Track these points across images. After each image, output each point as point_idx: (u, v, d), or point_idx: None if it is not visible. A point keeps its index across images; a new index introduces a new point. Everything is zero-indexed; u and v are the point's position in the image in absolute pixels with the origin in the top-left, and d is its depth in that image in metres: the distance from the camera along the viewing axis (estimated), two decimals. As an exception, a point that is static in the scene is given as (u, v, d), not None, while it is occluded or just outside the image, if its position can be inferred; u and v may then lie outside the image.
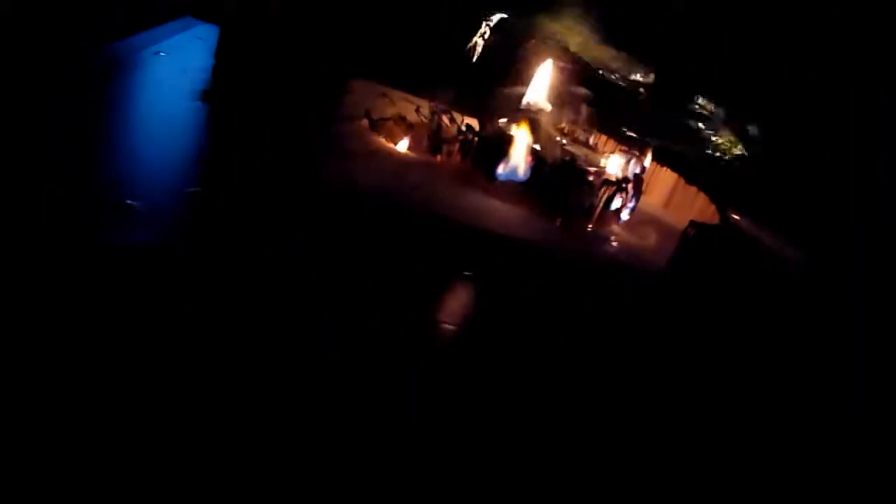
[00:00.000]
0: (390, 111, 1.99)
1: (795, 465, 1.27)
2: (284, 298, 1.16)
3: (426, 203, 1.62)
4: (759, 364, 1.52)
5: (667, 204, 2.15)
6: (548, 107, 2.10)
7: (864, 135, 1.90)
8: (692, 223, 1.68)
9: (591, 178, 1.82)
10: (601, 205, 1.83)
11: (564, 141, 2.01)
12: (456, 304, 1.45)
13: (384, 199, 1.57)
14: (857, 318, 1.60)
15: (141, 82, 1.78)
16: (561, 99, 2.09)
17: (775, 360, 1.53)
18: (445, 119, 2.03)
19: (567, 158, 1.86)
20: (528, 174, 1.82)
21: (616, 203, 1.85)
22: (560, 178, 1.81)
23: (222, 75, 1.99)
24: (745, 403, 1.41)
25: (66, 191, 1.19)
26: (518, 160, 1.82)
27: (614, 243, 1.82)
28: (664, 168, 2.13)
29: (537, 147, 1.85)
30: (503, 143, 1.83)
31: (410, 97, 2.22)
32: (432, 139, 1.93)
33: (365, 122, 1.95)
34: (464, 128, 1.89)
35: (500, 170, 1.81)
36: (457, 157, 1.86)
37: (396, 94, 2.21)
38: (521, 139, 1.86)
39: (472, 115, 2.05)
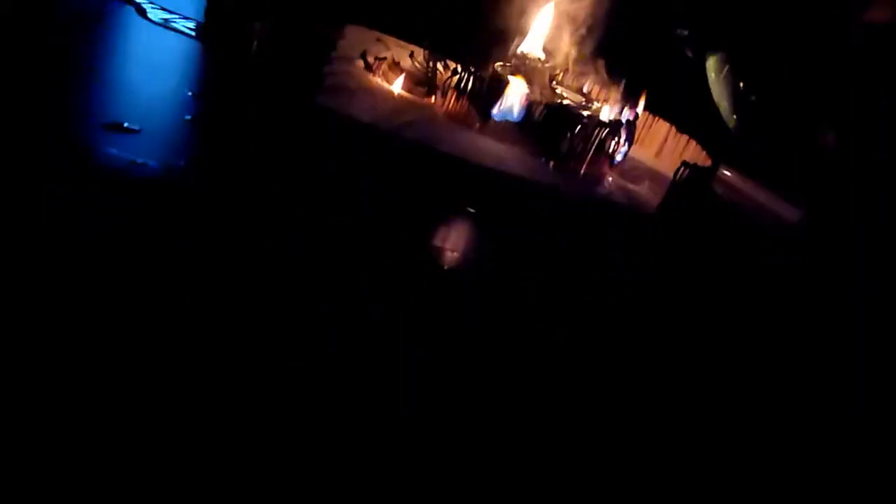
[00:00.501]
0: (385, 54, 1.99)
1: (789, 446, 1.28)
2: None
3: (421, 138, 1.63)
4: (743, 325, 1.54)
5: (658, 154, 2.17)
6: (542, 55, 2.10)
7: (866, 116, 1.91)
8: (684, 163, 1.71)
9: (584, 121, 1.83)
10: (593, 147, 1.85)
11: (558, 88, 2.02)
12: (456, 239, 1.47)
13: (380, 133, 1.58)
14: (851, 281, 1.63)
15: (134, 24, 1.76)
16: (555, 47, 2.10)
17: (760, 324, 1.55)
18: (439, 65, 2.04)
19: (560, 101, 1.87)
20: (522, 116, 1.83)
21: (609, 147, 1.87)
22: (553, 120, 1.82)
23: (216, 14, 1.98)
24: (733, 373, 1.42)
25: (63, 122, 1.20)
26: (512, 102, 1.83)
27: (606, 185, 1.84)
28: (656, 119, 2.15)
29: (531, 90, 1.86)
30: (498, 85, 1.84)
31: (404, 43, 2.22)
32: (427, 81, 1.94)
33: (360, 63, 1.95)
34: (459, 69, 1.88)
35: (495, 110, 1.81)
36: (451, 100, 1.86)
37: (390, 40, 2.21)
38: (516, 82, 1.86)
39: (465, 61, 2.05)
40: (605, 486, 1.04)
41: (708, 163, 1.92)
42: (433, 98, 1.91)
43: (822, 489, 1.22)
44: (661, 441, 1.16)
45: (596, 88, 2.14)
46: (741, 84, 1.82)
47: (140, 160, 1.22)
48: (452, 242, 1.43)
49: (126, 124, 1.27)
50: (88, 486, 0.71)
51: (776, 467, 1.24)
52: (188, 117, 1.47)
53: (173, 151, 1.35)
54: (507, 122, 1.82)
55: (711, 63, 1.91)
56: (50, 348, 0.86)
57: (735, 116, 1.85)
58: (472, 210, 1.52)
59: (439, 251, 1.38)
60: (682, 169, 1.72)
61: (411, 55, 2.09)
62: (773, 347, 1.53)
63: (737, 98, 1.86)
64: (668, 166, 2.11)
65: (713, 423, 1.27)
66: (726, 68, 1.86)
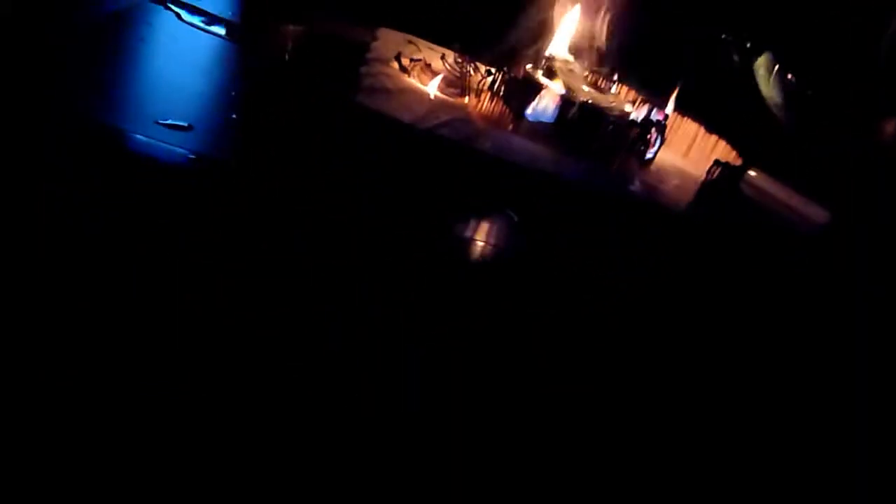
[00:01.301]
0: (419, 56, 2.03)
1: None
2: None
3: (458, 137, 1.67)
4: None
5: (686, 154, 2.19)
6: (570, 58, 2.13)
7: None
8: (717, 161, 1.73)
9: (616, 120, 1.86)
10: (625, 147, 1.87)
11: (588, 88, 2.05)
12: (490, 234, 1.50)
13: (419, 132, 1.61)
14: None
15: (168, 25, 1.81)
16: (584, 50, 2.13)
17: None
18: (470, 67, 2.07)
19: (592, 102, 1.89)
20: (555, 116, 1.86)
21: (640, 146, 1.89)
22: (586, 120, 1.85)
23: (252, 16, 2.03)
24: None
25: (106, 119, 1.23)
26: (546, 103, 1.86)
27: (637, 184, 1.86)
28: (685, 119, 2.17)
29: (564, 91, 1.89)
30: (532, 86, 1.87)
31: (435, 46, 2.26)
32: (460, 83, 1.97)
33: (395, 64, 1.98)
34: (492, 71, 1.92)
35: (529, 111, 1.84)
36: (485, 101, 1.89)
37: (421, 43, 2.25)
38: (550, 83, 1.89)
39: (497, 63, 2.08)
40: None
41: (738, 163, 1.93)
42: (466, 99, 1.94)
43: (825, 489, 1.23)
44: (660, 441, 1.16)
45: (625, 89, 2.17)
46: (793, 83, 1.83)
47: (192, 154, 1.27)
48: (487, 237, 1.46)
49: (175, 121, 1.32)
50: (86, 484, 0.71)
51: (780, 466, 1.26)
52: (234, 116, 1.52)
53: (222, 146, 1.40)
54: (540, 122, 1.85)
55: (760, 62, 1.92)
56: (70, 339, 0.88)
57: (785, 114, 1.86)
58: (507, 208, 1.55)
59: (475, 246, 1.41)
60: (714, 167, 1.74)
61: (442, 57, 2.12)
62: (787, 348, 1.54)
63: (788, 97, 1.87)
64: (695, 166, 2.13)
65: (720, 424, 1.27)
66: (776, 67, 1.87)
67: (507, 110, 1.86)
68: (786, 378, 1.45)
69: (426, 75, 2.00)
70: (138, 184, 1.21)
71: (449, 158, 1.64)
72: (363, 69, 1.83)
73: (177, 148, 1.27)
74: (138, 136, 1.26)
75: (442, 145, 1.64)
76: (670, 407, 1.24)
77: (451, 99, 1.93)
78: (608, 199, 1.80)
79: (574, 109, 1.86)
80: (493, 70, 1.98)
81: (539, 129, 1.84)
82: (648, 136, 1.88)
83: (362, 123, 1.60)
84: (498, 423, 1.03)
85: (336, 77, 1.85)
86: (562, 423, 1.09)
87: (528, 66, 2.01)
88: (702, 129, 2.13)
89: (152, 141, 1.27)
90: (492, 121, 1.85)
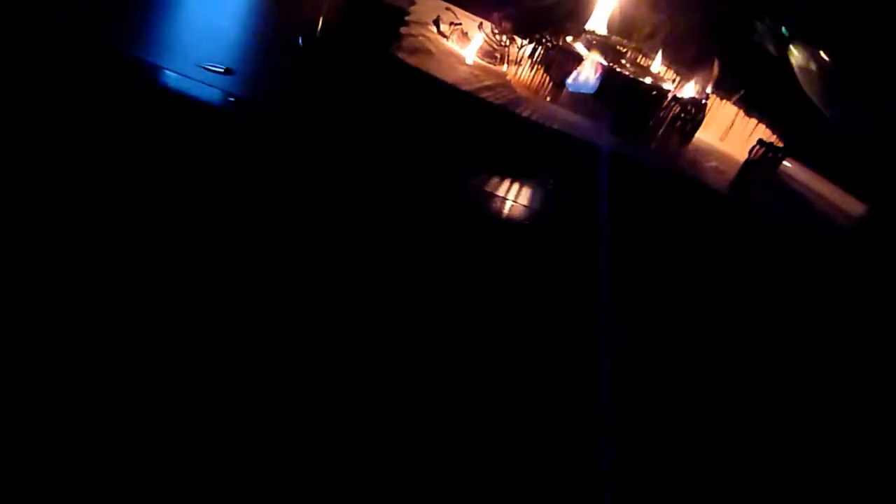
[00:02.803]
0: (457, 21, 1.99)
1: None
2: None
3: (501, 102, 1.64)
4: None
5: (723, 137, 2.15)
6: (609, 32, 2.10)
7: None
8: (760, 141, 1.69)
9: (658, 96, 1.82)
10: (665, 123, 1.84)
11: (629, 63, 2.01)
12: (523, 195, 1.48)
13: (461, 93, 1.58)
14: None
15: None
16: (627, 26, 2.10)
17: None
18: (506, 37, 2.04)
19: (632, 76, 1.86)
20: (596, 89, 1.82)
21: (680, 124, 1.86)
22: (627, 94, 1.82)
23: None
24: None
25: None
26: (587, 75, 1.82)
27: (676, 161, 1.83)
28: (723, 101, 2.13)
29: (605, 63, 1.85)
30: (573, 58, 1.84)
31: (472, 15, 2.22)
32: (498, 51, 1.94)
33: (433, 28, 1.95)
34: (534, 40, 1.88)
35: (569, 81, 1.81)
36: (524, 70, 1.86)
37: (459, 11, 2.21)
38: (592, 55, 1.86)
39: (533, 35, 2.05)
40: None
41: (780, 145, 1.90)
42: (505, 67, 1.91)
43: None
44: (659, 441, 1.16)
45: (664, 67, 2.13)
46: (830, 70, 1.79)
47: (231, 96, 1.25)
48: (523, 199, 1.44)
49: (216, 65, 1.30)
50: (84, 479, 0.71)
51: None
52: (274, 64, 1.49)
53: (262, 91, 1.38)
54: (580, 93, 1.81)
55: (797, 51, 1.88)
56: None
57: (825, 103, 1.81)
58: (544, 173, 1.53)
59: (506, 205, 1.39)
60: (757, 147, 1.70)
61: (480, 26, 2.09)
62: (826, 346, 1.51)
63: (827, 85, 1.82)
64: (733, 149, 2.09)
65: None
66: (813, 56, 1.82)
67: (548, 80, 1.82)
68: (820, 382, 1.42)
69: (464, 42, 1.96)
70: (178, 121, 1.19)
71: (489, 121, 1.61)
72: (404, 30, 1.80)
73: (217, 89, 1.25)
74: (180, 76, 1.24)
75: (482, 108, 1.61)
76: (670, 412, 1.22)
77: (489, 66, 1.89)
78: (646, 173, 1.76)
79: (615, 82, 1.83)
80: (532, 40, 1.95)
81: (579, 100, 1.81)
82: (689, 115, 1.84)
83: (403, 80, 1.57)
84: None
85: (376, 35, 1.82)
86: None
87: (569, 38, 1.97)
88: (740, 113, 2.10)
89: (194, 81, 1.25)
90: (532, 89, 1.82)
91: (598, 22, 2.10)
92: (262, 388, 0.92)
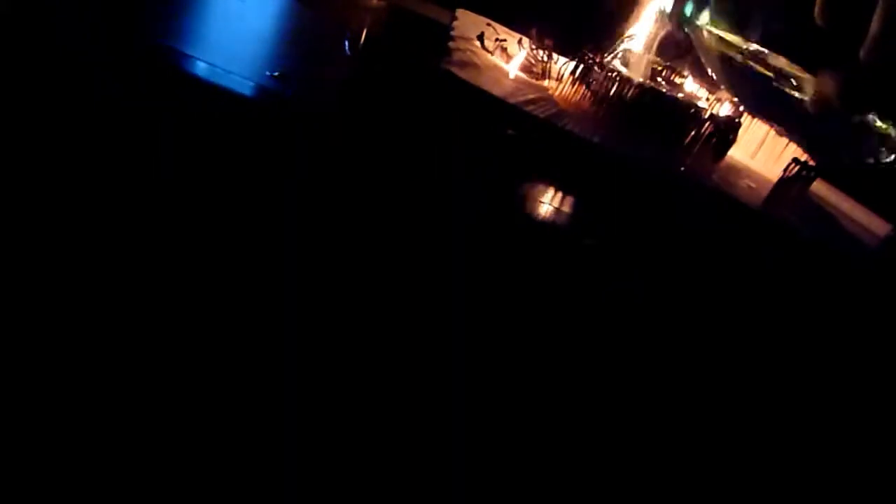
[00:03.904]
0: (502, 37, 2.07)
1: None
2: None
3: (542, 115, 1.70)
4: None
5: (753, 155, 2.21)
6: (646, 52, 2.17)
7: None
8: (795, 160, 1.75)
9: (692, 113, 1.88)
10: (701, 141, 1.90)
11: (664, 81, 2.08)
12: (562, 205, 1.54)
13: (508, 105, 1.65)
14: None
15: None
16: (663, 45, 2.16)
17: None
18: (546, 53, 2.11)
19: (671, 93, 1.92)
20: (637, 105, 1.89)
21: (715, 142, 1.92)
22: (666, 112, 1.88)
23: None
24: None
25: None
26: (625, 91, 1.89)
27: (711, 178, 1.88)
28: (754, 119, 2.19)
29: (643, 80, 1.92)
30: (612, 75, 1.90)
31: (512, 31, 2.29)
32: (540, 67, 2.01)
33: (476, 43, 2.02)
34: (576, 57, 1.95)
35: (611, 99, 1.87)
36: (565, 85, 1.92)
37: (499, 27, 2.29)
38: (629, 73, 1.93)
39: (571, 52, 2.11)
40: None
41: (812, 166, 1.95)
42: (546, 82, 1.98)
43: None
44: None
45: (697, 86, 2.19)
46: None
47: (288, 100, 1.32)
48: (567, 212, 1.50)
49: (274, 71, 1.37)
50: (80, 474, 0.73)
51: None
52: (323, 71, 1.57)
53: (315, 98, 1.45)
54: (622, 109, 1.88)
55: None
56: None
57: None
58: (581, 183, 1.59)
59: (542, 212, 1.45)
60: (792, 164, 1.76)
61: (519, 42, 2.16)
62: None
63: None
64: (763, 168, 2.15)
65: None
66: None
67: (588, 96, 1.89)
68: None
69: (506, 57, 2.04)
70: (235, 122, 1.24)
71: (533, 133, 1.68)
72: (451, 44, 1.87)
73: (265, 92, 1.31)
74: (242, 79, 1.31)
75: (527, 121, 1.68)
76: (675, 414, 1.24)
77: (531, 81, 1.96)
78: (681, 188, 1.82)
79: (654, 100, 1.89)
80: (571, 57, 2.02)
81: (620, 116, 1.87)
82: (724, 133, 1.90)
83: (454, 91, 1.64)
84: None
85: (422, 48, 1.90)
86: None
87: (608, 56, 2.04)
88: (771, 132, 2.15)
89: (251, 83, 1.31)
90: (572, 104, 1.88)
91: (637, 39, 2.17)
92: (264, 385, 0.94)
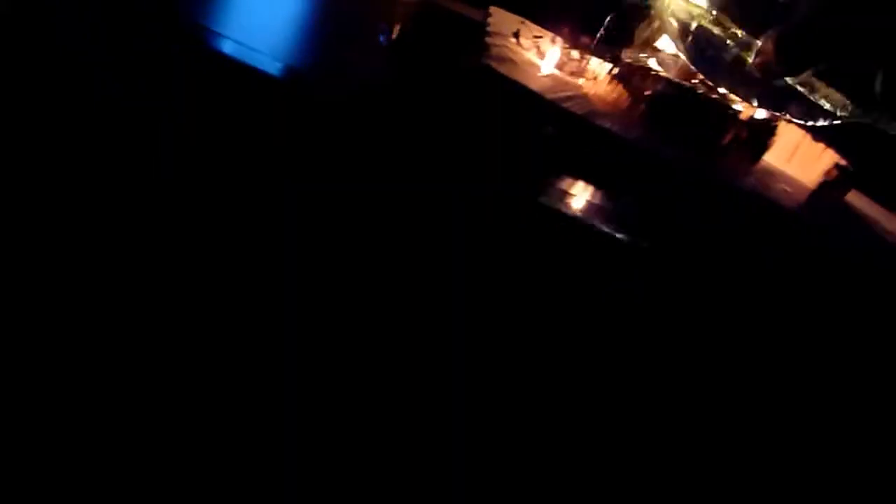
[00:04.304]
0: (538, 35, 2.07)
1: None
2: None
3: (580, 112, 1.69)
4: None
5: (789, 159, 2.18)
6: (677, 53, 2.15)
7: None
8: (837, 165, 1.72)
9: (731, 114, 1.86)
10: (735, 143, 1.88)
11: (699, 83, 2.06)
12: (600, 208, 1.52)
13: (546, 100, 1.64)
14: None
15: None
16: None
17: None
18: (578, 52, 2.10)
19: (708, 95, 1.90)
20: (671, 105, 1.87)
21: (751, 144, 1.89)
22: (700, 111, 1.86)
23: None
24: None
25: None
26: (661, 91, 1.87)
27: (748, 180, 1.86)
28: (790, 124, 2.16)
29: (681, 81, 1.90)
30: (648, 74, 1.89)
31: (544, 30, 2.29)
32: (575, 65, 2.00)
33: (512, 40, 2.02)
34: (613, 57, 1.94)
35: (644, 96, 1.86)
36: (602, 84, 1.91)
37: (532, 25, 2.28)
38: (665, 73, 1.91)
39: (603, 52, 2.10)
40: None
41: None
42: (581, 80, 1.97)
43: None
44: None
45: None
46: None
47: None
48: (603, 206, 1.49)
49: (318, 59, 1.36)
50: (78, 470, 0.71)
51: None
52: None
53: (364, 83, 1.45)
54: (655, 108, 1.86)
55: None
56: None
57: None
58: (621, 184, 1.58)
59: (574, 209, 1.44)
60: (832, 170, 1.73)
61: (553, 40, 2.15)
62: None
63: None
64: (799, 172, 2.12)
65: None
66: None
67: (625, 94, 1.88)
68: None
69: (540, 54, 2.03)
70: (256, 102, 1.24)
71: (571, 129, 1.67)
72: (489, 40, 1.86)
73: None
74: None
75: (564, 117, 1.67)
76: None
77: (566, 78, 1.95)
78: (716, 190, 1.80)
79: (690, 101, 1.87)
80: (607, 58, 2.00)
81: (654, 115, 1.86)
82: (761, 136, 1.87)
83: (492, 85, 1.63)
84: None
85: (456, 43, 1.90)
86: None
87: (642, 55, 2.03)
88: (808, 137, 2.12)
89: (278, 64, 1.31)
90: (608, 102, 1.87)
91: (668, 39, 2.15)
92: (269, 378, 0.92)
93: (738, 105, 2.01)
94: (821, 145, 2.11)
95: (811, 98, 1.82)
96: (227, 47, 1.30)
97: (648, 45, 2.11)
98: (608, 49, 2.05)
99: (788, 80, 1.79)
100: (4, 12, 1.16)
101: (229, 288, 0.99)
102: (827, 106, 1.80)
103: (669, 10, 1.95)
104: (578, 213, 1.44)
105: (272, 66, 1.32)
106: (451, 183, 1.37)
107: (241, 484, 0.78)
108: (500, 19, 2.19)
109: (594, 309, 1.28)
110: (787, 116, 1.89)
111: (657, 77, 1.84)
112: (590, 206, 1.47)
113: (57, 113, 1.09)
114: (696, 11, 1.90)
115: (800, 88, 1.81)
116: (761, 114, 1.99)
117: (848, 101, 1.79)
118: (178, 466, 0.77)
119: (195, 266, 1.01)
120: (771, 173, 2.03)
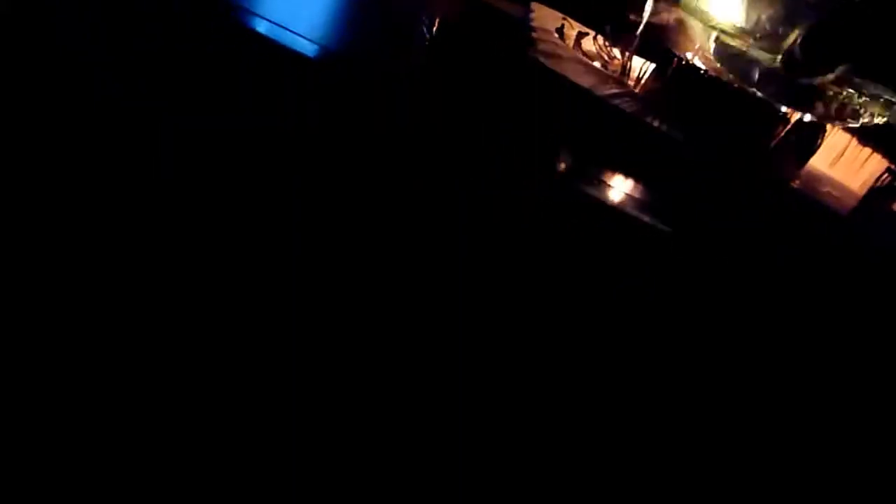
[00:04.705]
0: (585, 31, 2.05)
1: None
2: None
3: (628, 109, 1.67)
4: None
5: (833, 164, 2.14)
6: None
7: None
8: (888, 170, 1.69)
9: (780, 116, 1.84)
10: (785, 145, 1.85)
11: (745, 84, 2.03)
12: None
13: (594, 97, 1.63)
14: None
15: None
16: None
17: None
18: (619, 50, 2.08)
19: (752, 93, 1.87)
20: (719, 106, 1.85)
21: (801, 146, 1.86)
22: (749, 112, 1.83)
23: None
24: None
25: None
26: (709, 90, 1.85)
27: (795, 182, 1.83)
28: (834, 127, 2.13)
29: (729, 81, 1.87)
30: (696, 74, 1.86)
31: (583, 27, 2.26)
32: (620, 63, 1.98)
33: (556, 35, 2.00)
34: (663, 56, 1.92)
35: (693, 97, 1.84)
36: (648, 82, 1.89)
37: (574, 23, 2.26)
38: (713, 73, 1.88)
39: (645, 52, 2.08)
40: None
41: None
42: (626, 78, 1.95)
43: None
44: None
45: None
46: None
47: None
48: (650, 201, 1.47)
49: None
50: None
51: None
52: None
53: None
54: (703, 108, 1.84)
55: None
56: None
57: None
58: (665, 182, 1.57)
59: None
60: (885, 175, 1.70)
61: (594, 38, 2.13)
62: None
63: None
64: (844, 176, 2.08)
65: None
66: None
67: (671, 94, 1.85)
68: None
69: (581, 51, 2.01)
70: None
71: (618, 125, 1.65)
72: (534, 35, 1.85)
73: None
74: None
75: (611, 113, 1.65)
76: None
77: (611, 75, 1.93)
78: (761, 192, 1.77)
79: (740, 102, 1.84)
80: (650, 58, 1.98)
81: (702, 115, 1.83)
82: (810, 139, 1.84)
83: (543, 78, 1.62)
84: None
85: (502, 38, 1.89)
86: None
87: (690, 56, 2.00)
88: (854, 140, 2.09)
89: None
90: (655, 101, 1.85)
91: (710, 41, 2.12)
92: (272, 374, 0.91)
93: (786, 108, 1.98)
94: (866, 150, 2.07)
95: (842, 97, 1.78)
96: (262, 27, 1.30)
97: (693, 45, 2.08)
98: (651, 48, 2.03)
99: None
100: (4, 12, 1.16)
101: (230, 288, 0.99)
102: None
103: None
104: (615, 203, 1.42)
105: (310, 49, 1.31)
106: (485, 177, 1.37)
107: (241, 484, 0.78)
108: (543, 15, 2.17)
109: (605, 305, 1.27)
110: (836, 120, 1.86)
111: (704, 76, 1.81)
112: (628, 197, 1.45)
113: (57, 113, 1.09)
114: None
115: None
116: (808, 117, 1.95)
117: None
118: (179, 466, 0.77)
119: (195, 266, 1.01)
120: (816, 177, 1.99)
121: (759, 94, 1.88)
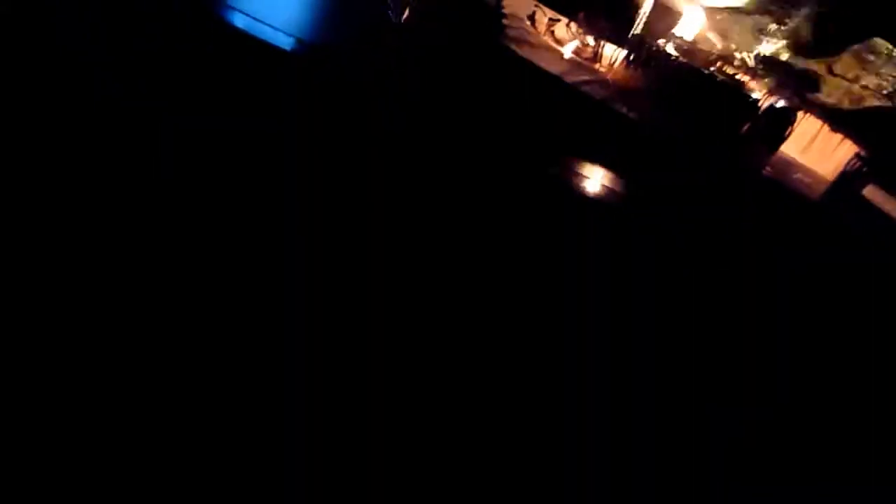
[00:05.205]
0: (556, 18, 2.02)
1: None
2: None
3: (597, 96, 1.66)
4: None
5: (805, 150, 2.15)
6: (692, 40, 2.11)
7: None
8: (857, 155, 1.70)
9: (750, 102, 1.83)
10: (756, 131, 1.84)
11: (717, 71, 2.03)
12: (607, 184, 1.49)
13: (566, 84, 1.60)
14: None
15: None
16: (713, 35, 2.11)
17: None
18: (592, 38, 2.06)
19: (728, 82, 1.87)
20: (689, 92, 1.84)
21: (770, 132, 1.86)
22: (722, 100, 1.83)
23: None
24: None
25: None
26: (679, 76, 1.84)
27: (764, 168, 1.83)
28: (807, 114, 2.13)
29: (701, 68, 1.87)
30: (669, 61, 1.85)
31: (557, 14, 2.24)
32: (591, 51, 1.96)
33: (528, 24, 1.98)
34: (626, 43, 1.90)
35: (662, 82, 1.82)
36: (619, 70, 1.87)
37: (546, 10, 2.24)
38: (681, 59, 1.87)
39: (617, 39, 2.06)
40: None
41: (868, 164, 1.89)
42: (597, 65, 1.93)
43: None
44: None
45: (747, 77, 2.14)
46: None
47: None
48: (621, 189, 1.46)
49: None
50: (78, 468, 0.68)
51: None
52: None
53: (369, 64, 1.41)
54: (674, 94, 1.83)
55: None
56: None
57: None
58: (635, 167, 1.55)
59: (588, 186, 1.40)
60: (854, 160, 1.71)
61: (567, 25, 2.11)
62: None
63: None
64: (816, 162, 2.09)
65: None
66: None
67: (642, 80, 1.84)
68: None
69: (554, 38, 1.99)
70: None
71: (588, 113, 1.64)
72: (505, 21, 1.82)
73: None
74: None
75: (582, 100, 1.63)
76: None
77: (583, 62, 1.92)
78: (734, 177, 1.77)
79: (709, 87, 1.84)
80: (624, 45, 1.97)
81: (672, 101, 1.82)
82: (779, 124, 1.84)
83: (512, 66, 1.59)
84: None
85: (474, 23, 1.86)
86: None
87: (661, 42, 1.99)
88: (825, 127, 2.10)
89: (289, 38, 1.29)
90: (625, 87, 1.83)
91: (686, 28, 2.12)
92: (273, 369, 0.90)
93: (757, 93, 1.99)
94: (838, 136, 2.08)
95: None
96: (240, 21, 1.27)
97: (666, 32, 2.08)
98: (623, 36, 2.02)
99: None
100: (4, 12, 1.14)
101: (229, 288, 0.96)
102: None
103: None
104: (587, 193, 1.41)
105: (283, 41, 1.29)
106: (464, 162, 1.34)
107: (241, 484, 0.76)
108: (514, 1, 2.14)
109: (577, 293, 1.26)
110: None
111: (675, 63, 1.80)
112: (601, 187, 1.44)
113: (57, 113, 1.06)
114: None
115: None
116: (780, 102, 1.96)
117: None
118: (178, 466, 0.75)
119: (195, 266, 0.98)
120: (787, 163, 2.00)
121: (728, 79, 1.88)
